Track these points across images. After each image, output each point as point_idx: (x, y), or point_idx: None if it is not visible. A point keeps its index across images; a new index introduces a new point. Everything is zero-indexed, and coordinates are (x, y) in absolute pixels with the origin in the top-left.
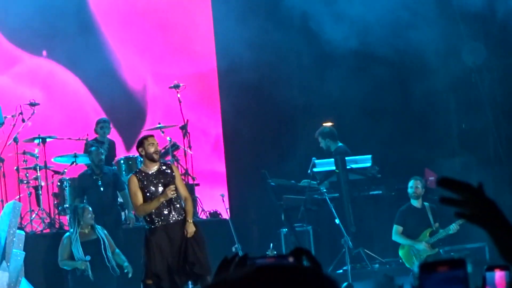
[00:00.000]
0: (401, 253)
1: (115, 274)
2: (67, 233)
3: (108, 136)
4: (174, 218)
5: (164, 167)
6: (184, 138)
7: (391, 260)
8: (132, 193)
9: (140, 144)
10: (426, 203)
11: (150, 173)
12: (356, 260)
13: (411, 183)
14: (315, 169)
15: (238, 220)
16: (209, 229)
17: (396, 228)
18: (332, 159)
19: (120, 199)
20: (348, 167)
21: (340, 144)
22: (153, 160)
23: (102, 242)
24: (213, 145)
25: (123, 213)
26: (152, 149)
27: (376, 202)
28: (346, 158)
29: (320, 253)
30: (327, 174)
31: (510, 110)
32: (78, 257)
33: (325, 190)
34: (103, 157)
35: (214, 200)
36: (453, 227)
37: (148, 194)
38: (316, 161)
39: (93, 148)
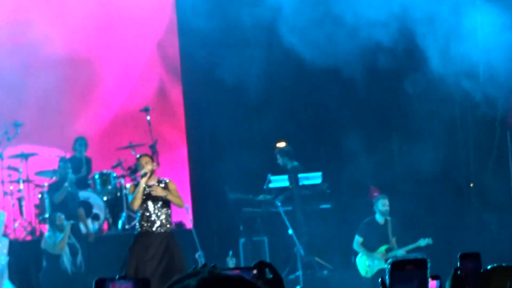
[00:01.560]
0: (358, 261)
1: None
2: (48, 233)
3: (85, 154)
4: (157, 229)
5: (161, 182)
6: (153, 156)
7: (340, 267)
8: (129, 192)
9: (137, 161)
10: (389, 218)
11: (149, 184)
12: (307, 267)
13: (382, 202)
14: (270, 185)
15: (201, 230)
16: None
17: (357, 239)
18: (286, 176)
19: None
20: (300, 183)
21: (295, 163)
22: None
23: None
24: (179, 162)
25: (97, 223)
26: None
27: (325, 215)
28: (299, 175)
29: (275, 260)
30: (282, 189)
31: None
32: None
33: (279, 204)
34: (80, 171)
35: (180, 212)
36: (407, 248)
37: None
38: (272, 177)
39: (68, 164)
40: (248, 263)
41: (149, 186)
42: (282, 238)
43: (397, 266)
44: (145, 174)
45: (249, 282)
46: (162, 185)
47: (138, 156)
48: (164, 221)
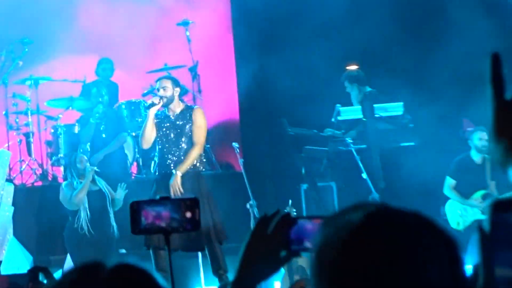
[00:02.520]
0: (447, 209)
1: (116, 235)
2: (66, 182)
3: (111, 79)
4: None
5: (186, 109)
6: (193, 81)
7: None
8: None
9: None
10: (487, 156)
11: (168, 114)
12: None
13: (478, 135)
14: (339, 117)
15: (253, 173)
16: (220, 183)
17: (448, 181)
18: (359, 107)
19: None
20: (376, 115)
21: (369, 89)
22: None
23: (106, 195)
24: (226, 89)
25: (127, 164)
26: (160, 93)
27: (407, 154)
28: (375, 105)
29: None
30: (353, 123)
31: None
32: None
33: (350, 141)
34: (104, 99)
35: (226, 152)
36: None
37: (158, 134)
38: (341, 108)
39: (93, 90)
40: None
41: (167, 119)
42: (354, 183)
43: (503, 207)
44: (152, 105)
45: (425, 219)
46: (186, 114)
47: (156, 79)
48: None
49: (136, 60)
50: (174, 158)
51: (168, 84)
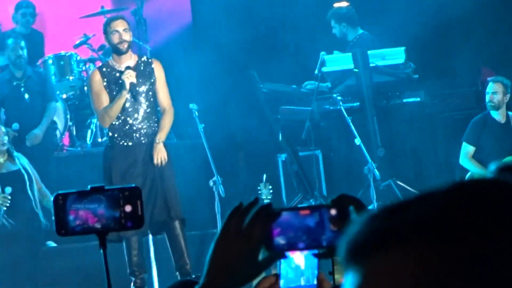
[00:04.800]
0: None
1: (43, 225)
2: None
3: (33, 27)
4: (143, 135)
5: (142, 64)
6: (137, 28)
7: None
8: (94, 94)
9: (104, 31)
10: (510, 113)
11: (118, 69)
12: (385, 196)
13: (489, 87)
14: (324, 68)
15: (218, 142)
16: (175, 155)
17: (465, 148)
18: (349, 54)
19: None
20: (372, 64)
21: (361, 31)
22: (118, 53)
23: (26, 177)
24: (180, 37)
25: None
26: (116, 39)
27: (412, 114)
28: (369, 52)
29: (333, 186)
30: (343, 75)
31: None
32: None
33: (339, 98)
34: (24, 53)
35: (185, 116)
36: None
37: (114, 95)
38: (326, 57)
39: (9, 41)
40: (291, 192)
41: (121, 72)
42: (345, 152)
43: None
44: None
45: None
46: (147, 67)
47: (106, 20)
48: (152, 122)
49: (65, 2)
50: (137, 124)
51: (127, 25)
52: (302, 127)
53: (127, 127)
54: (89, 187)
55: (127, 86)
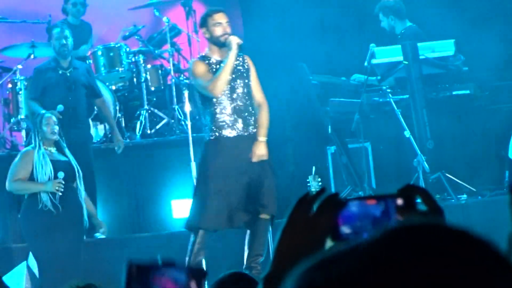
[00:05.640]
0: None
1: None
2: (27, 148)
3: (83, 18)
4: (245, 128)
5: (238, 58)
6: (187, 19)
7: (485, 189)
8: (200, 74)
9: (203, 23)
10: None
11: (218, 60)
12: (434, 189)
13: None
14: (374, 61)
15: (269, 133)
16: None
17: None
18: (399, 46)
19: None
20: (421, 56)
21: (409, 23)
22: (219, 45)
23: (76, 168)
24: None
25: (96, 129)
26: (219, 31)
27: (461, 106)
28: (419, 44)
29: (382, 179)
30: (392, 67)
31: None
32: (45, 179)
33: (389, 90)
34: (69, 42)
35: None
36: None
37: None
38: (376, 49)
39: (55, 30)
40: (340, 185)
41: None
42: (394, 143)
43: None
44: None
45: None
46: (240, 62)
47: (207, 11)
48: (251, 117)
49: None
50: (246, 116)
51: (228, 19)
52: (352, 119)
53: (228, 119)
54: (158, 256)
55: (234, 46)
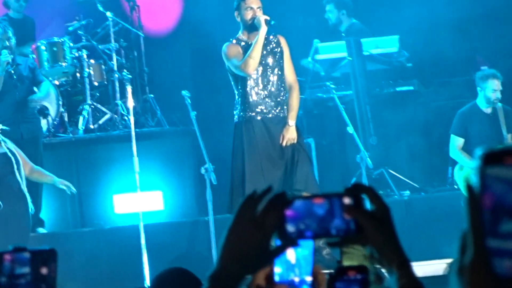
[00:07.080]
0: (457, 174)
1: (30, 210)
2: None
3: (24, 12)
4: (276, 110)
5: (270, 38)
6: (131, 14)
7: (428, 185)
8: (233, 55)
9: (237, 6)
10: (499, 105)
11: (247, 43)
12: (377, 185)
13: (492, 84)
14: (317, 56)
15: (207, 129)
16: (166, 142)
17: (454, 140)
18: (343, 42)
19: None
20: (365, 52)
21: (354, 20)
22: (250, 29)
23: (13, 160)
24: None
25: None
26: (250, 15)
27: (404, 102)
28: (363, 40)
29: (326, 175)
30: (335, 63)
31: None
32: None
33: (332, 86)
34: (13, 41)
35: (174, 102)
36: None
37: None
38: (320, 45)
39: None
40: None
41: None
42: (337, 139)
43: (495, 158)
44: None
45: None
46: (274, 42)
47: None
48: (282, 98)
49: None
50: (277, 97)
51: (261, 4)
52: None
53: (260, 99)
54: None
55: (262, 23)
